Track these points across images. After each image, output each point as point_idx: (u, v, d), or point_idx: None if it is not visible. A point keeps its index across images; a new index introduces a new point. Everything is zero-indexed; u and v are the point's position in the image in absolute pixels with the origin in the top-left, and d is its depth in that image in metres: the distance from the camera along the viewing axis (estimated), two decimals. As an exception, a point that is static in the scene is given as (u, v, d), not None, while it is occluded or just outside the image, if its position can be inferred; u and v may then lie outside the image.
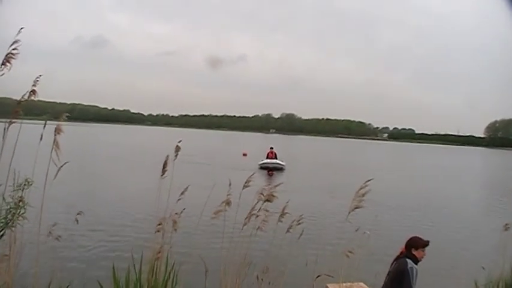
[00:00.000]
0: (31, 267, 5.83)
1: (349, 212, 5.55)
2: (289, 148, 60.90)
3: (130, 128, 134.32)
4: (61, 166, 5.07)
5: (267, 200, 5.63)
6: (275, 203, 5.74)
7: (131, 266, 5.74)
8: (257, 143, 70.40)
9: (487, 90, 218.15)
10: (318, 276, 5.94)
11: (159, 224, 5.66)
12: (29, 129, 5.31)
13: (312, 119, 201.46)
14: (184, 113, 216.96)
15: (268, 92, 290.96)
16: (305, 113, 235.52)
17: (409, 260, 4.90)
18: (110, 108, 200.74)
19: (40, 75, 5.17)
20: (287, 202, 5.91)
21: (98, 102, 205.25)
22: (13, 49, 4.97)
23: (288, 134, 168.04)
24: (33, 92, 5.08)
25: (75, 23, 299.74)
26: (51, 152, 5.02)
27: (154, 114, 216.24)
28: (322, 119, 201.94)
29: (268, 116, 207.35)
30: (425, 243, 5.01)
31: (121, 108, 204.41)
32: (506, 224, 7.23)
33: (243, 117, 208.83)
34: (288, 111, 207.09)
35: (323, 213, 14.76)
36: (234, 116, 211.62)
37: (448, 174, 39.55)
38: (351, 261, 5.74)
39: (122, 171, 27.02)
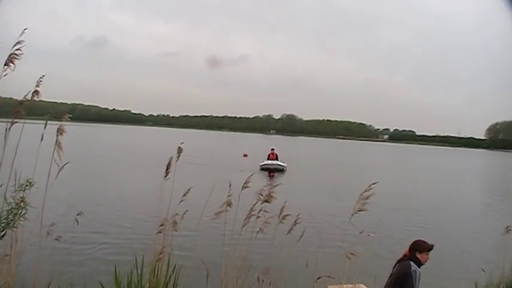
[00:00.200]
0: (32, 268, 5.82)
1: (352, 215, 5.55)
2: (290, 149, 60.89)
3: (131, 129, 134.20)
4: (62, 166, 5.07)
5: (266, 201, 5.63)
6: (276, 204, 5.74)
7: (133, 267, 5.74)
8: (257, 144, 70.38)
9: (487, 91, 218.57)
10: (319, 277, 5.93)
11: (161, 225, 5.66)
12: (31, 130, 5.31)
13: (313, 120, 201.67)
14: (185, 114, 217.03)
15: (269, 93, 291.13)
16: (305, 113, 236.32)
17: (412, 263, 4.90)
18: (110, 108, 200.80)
19: (43, 76, 5.17)
20: (284, 203, 5.91)
21: (98, 103, 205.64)
22: (16, 49, 4.97)
23: (289, 135, 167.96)
24: (36, 92, 5.09)
25: (76, 23, 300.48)
26: (53, 152, 5.02)
27: (155, 114, 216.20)
28: (323, 120, 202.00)
29: (268, 117, 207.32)
30: (430, 247, 5.01)
31: (122, 109, 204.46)
32: (508, 226, 7.23)
33: (244, 118, 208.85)
34: (288, 112, 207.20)
35: (325, 215, 14.76)
36: (235, 116, 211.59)
37: (449, 176, 39.51)
38: (352, 263, 5.74)
39: (123, 172, 27.01)
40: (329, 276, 5.92)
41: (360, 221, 6.13)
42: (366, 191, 5.56)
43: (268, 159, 32.43)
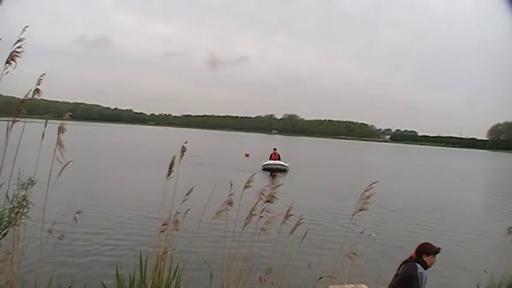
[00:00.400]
0: (34, 266, 5.82)
1: (353, 214, 5.54)
2: (292, 149, 60.79)
3: (133, 128, 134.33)
4: (65, 165, 5.07)
5: (268, 201, 5.62)
6: (279, 204, 5.74)
7: (135, 266, 5.74)
8: (259, 144, 70.39)
9: (489, 91, 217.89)
10: (321, 277, 5.93)
11: (164, 225, 5.66)
12: (33, 128, 5.31)
13: (314, 120, 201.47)
14: (186, 113, 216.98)
15: (271, 93, 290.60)
16: (307, 114, 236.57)
17: (418, 265, 4.90)
18: (112, 107, 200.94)
19: (43, 74, 5.17)
20: (291, 204, 5.90)
21: (100, 102, 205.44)
22: (17, 47, 4.97)
23: (290, 135, 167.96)
24: (37, 90, 5.08)
25: (78, 23, 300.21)
26: (55, 151, 5.02)
27: (157, 114, 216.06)
28: (325, 120, 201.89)
29: (270, 117, 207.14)
30: (437, 250, 5.01)
31: (124, 108, 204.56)
32: (510, 227, 7.22)
33: (246, 117, 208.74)
34: (290, 112, 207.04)
35: (327, 215, 14.73)
36: (237, 116, 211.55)
37: (450, 177, 39.49)
38: (354, 263, 5.73)
39: (125, 171, 27.03)
40: (331, 276, 5.92)
41: (362, 222, 6.13)
42: (366, 191, 5.56)
43: (270, 159, 32.28)
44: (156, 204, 6.22)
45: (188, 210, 5.76)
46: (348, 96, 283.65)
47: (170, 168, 5.96)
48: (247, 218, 5.66)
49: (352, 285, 6.34)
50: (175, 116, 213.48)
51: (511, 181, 38.62)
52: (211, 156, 38.93)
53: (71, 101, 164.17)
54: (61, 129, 5.13)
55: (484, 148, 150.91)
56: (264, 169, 30.34)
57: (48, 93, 5.19)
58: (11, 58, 4.92)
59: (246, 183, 5.84)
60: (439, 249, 5.03)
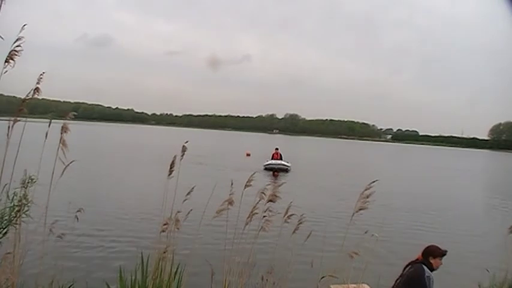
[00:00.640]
0: (35, 265, 5.82)
1: (353, 214, 5.53)
2: (293, 149, 60.78)
3: (134, 128, 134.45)
4: (67, 165, 5.06)
5: (270, 200, 5.60)
6: (281, 203, 5.73)
7: (137, 266, 5.74)
8: (260, 144, 70.42)
9: (491, 91, 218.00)
10: (323, 277, 5.92)
11: (165, 224, 5.65)
12: (34, 128, 5.30)
13: (316, 120, 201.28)
14: (188, 113, 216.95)
15: (272, 92, 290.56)
16: (309, 113, 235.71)
17: (426, 268, 4.89)
18: (114, 107, 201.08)
19: (43, 73, 5.15)
20: (290, 203, 5.89)
21: (101, 101, 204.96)
22: (16, 46, 4.94)
23: (292, 135, 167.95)
24: (36, 89, 5.06)
25: (80, 21, 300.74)
26: (58, 150, 5.01)
27: (158, 113, 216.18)
28: (326, 119, 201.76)
29: (271, 117, 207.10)
30: (443, 253, 5.02)
31: (125, 108, 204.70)
32: (511, 227, 7.20)
33: (247, 117, 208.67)
34: (291, 112, 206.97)
35: (328, 214, 14.72)
36: (238, 116, 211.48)
37: (452, 177, 39.46)
38: (355, 263, 5.72)
39: (127, 171, 27.06)
40: (333, 276, 5.91)
41: (364, 221, 6.12)
42: (366, 189, 5.55)
43: (272, 158, 32.19)
44: (158, 204, 6.22)
45: (191, 210, 5.76)
46: (350, 96, 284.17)
47: (171, 167, 5.95)
48: (248, 217, 5.65)
49: (354, 285, 6.33)
50: (176, 116, 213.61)
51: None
52: (212, 156, 38.98)
53: (72, 101, 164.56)
54: (64, 129, 5.11)
55: (485, 148, 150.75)
56: (265, 169, 30.29)
57: (50, 93, 5.19)
58: (10, 57, 4.90)
59: (247, 182, 5.82)
60: (446, 251, 5.04)
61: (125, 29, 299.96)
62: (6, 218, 5.13)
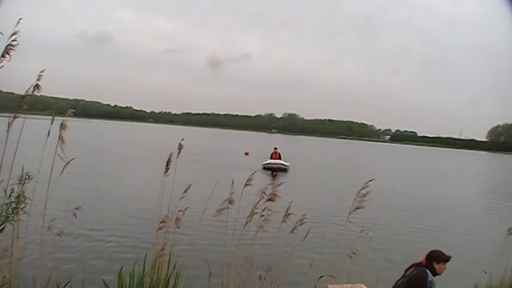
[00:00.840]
0: (33, 262, 5.82)
1: (350, 213, 5.54)
2: (292, 148, 60.76)
3: (132, 125, 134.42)
4: (67, 162, 5.05)
5: (270, 200, 5.60)
6: (280, 203, 5.73)
7: (135, 263, 5.74)
8: (259, 143, 70.41)
9: (490, 92, 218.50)
10: (321, 277, 5.92)
11: (162, 222, 5.65)
12: (33, 124, 5.30)
13: (314, 120, 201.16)
14: (186, 111, 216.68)
15: (271, 91, 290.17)
16: (307, 113, 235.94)
17: (429, 272, 4.90)
18: (112, 104, 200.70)
19: (44, 70, 5.13)
20: (292, 202, 5.89)
21: (100, 99, 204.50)
22: (12, 41, 4.92)
23: (290, 134, 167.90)
24: (37, 86, 5.05)
25: (79, 19, 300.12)
26: (56, 147, 5.00)
27: (157, 111, 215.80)
28: (325, 119, 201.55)
29: (270, 116, 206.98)
30: (447, 258, 5.04)
31: (123, 105, 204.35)
32: (510, 229, 7.21)
33: (246, 116, 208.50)
34: (290, 111, 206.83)
35: (328, 214, 14.69)
36: (237, 115, 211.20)
37: (450, 178, 39.49)
38: (353, 263, 5.72)
39: (125, 168, 27.04)
40: (331, 276, 5.91)
41: (364, 221, 6.14)
42: (362, 189, 5.56)
43: (271, 158, 32.10)
44: (156, 202, 6.21)
45: (187, 208, 5.75)
46: (349, 96, 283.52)
47: (167, 165, 5.95)
48: (248, 217, 5.65)
49: (351, 285, 6.34)
50: (175, 114, 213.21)
51: (510, 182, 38.56)
52: (211, 154, 38.96)
53: (71, 98, 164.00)
54: (63, 126, 5.10)
55: (483, 149, 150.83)
56: (264, 168, 30.18)
57: (48, 90, 5.16)
58: (6, 51, 4.88)
59: (247, 181, 5.82)
60: (450, 257, 5.05)
61: (124, 26, 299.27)
62: (3, 214, 5.12)
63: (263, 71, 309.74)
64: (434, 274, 4.99)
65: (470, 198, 26.26)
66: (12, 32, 4.91)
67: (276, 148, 32.88)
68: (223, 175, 17.20)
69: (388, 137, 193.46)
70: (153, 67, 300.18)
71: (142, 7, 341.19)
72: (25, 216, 5.25)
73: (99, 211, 13.01)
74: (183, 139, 6.09)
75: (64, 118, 5.20)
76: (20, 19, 4.96)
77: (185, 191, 5.89)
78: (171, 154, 5.98)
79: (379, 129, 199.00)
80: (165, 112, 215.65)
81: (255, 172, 6.10)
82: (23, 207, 5.17)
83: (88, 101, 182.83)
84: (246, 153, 43.92)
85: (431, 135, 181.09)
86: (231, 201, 5.60)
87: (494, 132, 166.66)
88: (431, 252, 5.13)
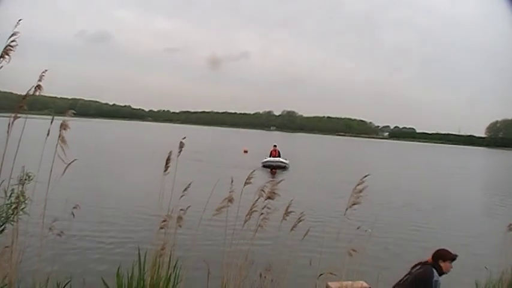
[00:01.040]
0: (33, 261, 5.82)
1: (347, 209, 5.55)
2: (291, 146, 60.76)
3: (131, 124, 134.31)
4: (69, 163, 5.06)
5: (269, 197, 5.61)
6: (280, 201, 5.73)
7: (134, 263, 5.74)
8: (258, 140, 70.40)
9: (489, 90, 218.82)
10: (321, 274, 5.93)
11: (164, 221, 5.65)
12: (32, 125, 5.29)
13: (313, 117, 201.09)
14: (185, 110, 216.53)
15: (270, 89, 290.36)
16: (306, 110, 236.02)
17: (435, 272, 4.92)
18: (111, 103, 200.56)
19: (46, 70, 5.13)
20: (291, 201, 5.90)
21: (99, 98, 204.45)
22: (11, 41, 4.92)
23: (289, 132, 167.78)
24: (38, 87, 5.04)
25: (78, 18, 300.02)
26: (56, 147, 5.00)
27: (155, 110, 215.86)
28: (323, 117, 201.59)
29: (269, 114, 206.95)
30: (454, 257, 5.05)
31: (122, 104, 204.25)
32: (510, 225, 7.22)
33: (244, 114, 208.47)
34: (289, 109, 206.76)
35: (328, 212, 14.68)
36: (235, 113, 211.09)
37: (449, 174, 39.52)
38: (353, 260, 5.73)
39: (125, 167, 27.03)
40: (331, 273, 5.92)
41: (363, 218, 6.14)
42: (358, 184, 5.57)
43: (270, 156, 31.92)
44: (156, 201, 6.22)
45: (189, 206, 5.75)
46: (348, 94, 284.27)
47: (167, 163, 5.95)
48: (247, 215, 5.65)
49: (351, 282, 6.35)
50: (173, 113, 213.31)
51: (510, 178, 38.59)
52: (209, 153, 38.89)
53: (69, 97, 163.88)
54: (63, 126, 5.09)
55: (482, 145, 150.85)
56: (264, 166, 30.09)
57: (47, 89, 5.14)
58: (6, 52, 4.88)
59: (247, 179, 5.82)
60: (456, 255, 5.06)
61: (123, 25, 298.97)
62: (3, 215, 5.12)
63: (262, 69, 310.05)
64: (441, 273, 5.00)
65: (470, 194, 26.28)
66: (12, 32, 4.90)
67: (275, 146, 32.69)
68: (222, 173, 17.22)
69: (386, 133, 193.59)
70: (152, 66, 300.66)
71: (141, 6, 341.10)
72: (25, 216, 5.24)
73: (99, 211, 13.00)
74: (184, 138, 6.08)
75: (64, 118, 5.20)
76: (20, 20, 4.96)
77: (185, 190, 5.88)
78: (170, 152, 5.97)
79: (378, 126, 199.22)
80: (164, 110, 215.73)
81: (254, 170, 6.10)
82: (23, 208, 5.17)
83: (87, 100, 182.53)
84: (245, 151, 43.87)
85: (430, 132, 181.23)
86: (230, 200, 5.60)
87: (493, 128, 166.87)
88: (438, 250, 5.14)
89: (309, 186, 22.76)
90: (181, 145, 6.07)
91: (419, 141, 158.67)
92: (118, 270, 5.76)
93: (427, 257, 5.21)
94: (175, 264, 5.88)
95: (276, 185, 5.77)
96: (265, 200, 5.58)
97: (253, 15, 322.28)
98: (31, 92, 5.02)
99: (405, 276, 5.26)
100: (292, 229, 5.75)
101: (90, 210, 11.95)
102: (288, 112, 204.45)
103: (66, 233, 6.17)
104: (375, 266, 7.88)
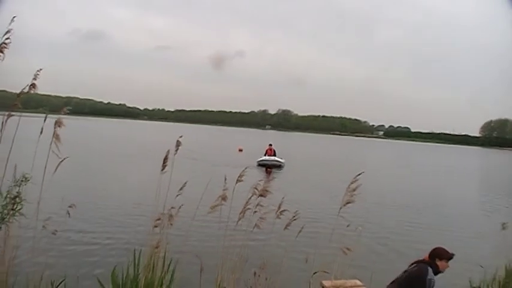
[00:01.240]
0: (27, 261, 5.81)
1: (341, 207, 5.57)
2: (286, 145, 60.76)
3: (126, 123, 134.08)
4: (61, 161, 5.05)
5: (261, 195, 5.61)
6: (274, 200, 5.75)
7: (129, 261, 5.74)
8: (253, 139, 70.44)
9: (485, 89, 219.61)
10: (315, 272, 5.95)
11: (158, 220, 5.65)
12: (27, 123, 5.28)
13: (308, 116, 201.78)
14: (180, 108, 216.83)
15: (265, 88, 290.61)
16: (301, 109, 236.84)
17: (430, 270, 4.95)
18: (105, 102, 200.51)
19: (41, 69, 5.12)
20: (286, 199, 5.91)
21: (93, 96, 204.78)
22: (6, 39, 4.90)
23: (284, 131, 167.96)
24: (33, 85, 5.03)
25: (73, 16, 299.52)
26: (50, 145, 4.99)
27: (150, 108, 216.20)
28: (319, 116, 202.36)
29: (264, 112, 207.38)
30: (450, 256, 5.08)
31: (117, 102, 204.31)
32: (504, 223, 7.26)
33: (239, 112, 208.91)
34: (284, 108, 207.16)
35: (322, 210, 14.68)
36: (230, 111, 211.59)
37: (444, 173, 39.63)
38: (347, 258, 5.75)
39: (119, 166, 26.97)
40: (325, 271, 5.94)
41: (357, 218, 6.15)
42: (352, 183, 5.59)
43: (266, 154, 31.74)
44: (151, 199, 6.22)
45: (182, 205, 5.75)
46: (343, 93, 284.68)
47: (164, 162, 5.95)
48: (241, 213, 5.66)
49: (344, 280, 6.37)
50: (168, 111, 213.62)
51: (504, 177, 38.75)
52: (204, 151, 38.80)
53: (64, 95, 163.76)
54: (58, 124, 5.07)
55: (476, 145, 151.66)
56: (259, 165, 29.92)
57: (41, 87, 5.13)
58: (0, 50, 4.87)
59: (238, 177, 5.82)
60: (453, 255, 5.09)
61: (117, 23, 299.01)
62: (-1, 216, 5.10)
63: (257, 68, 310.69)
64: (437, 272, 5.03)
65: (465, 193, 26.37)
66: (6, 30, 4.89)
67: (270, 144, 32.54)
68: (217, 172, 17.22)
69: (381, 132, 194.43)
70: (147, 64, 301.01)
71: (137, 5, 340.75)
72: (20, 217, 5.23)
73: (94, 209, 12.96)
74: (181, 136, 6.08)
75: (58, 116, 5.18)
76: (14, 17, 4.94)
77: (181, 189, 5.88)
78: (168, 151, 5.97)
79: (373, 125, 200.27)
80: (159, 109, 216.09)
81: (246, 168, 6.09)
82: (19, 209, 5.15)
83: (81, 99, 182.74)
84: (240, 150, 43.82)
85: (425, 131, 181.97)
86: (224, 198, 5.60)
87: (487, 127, 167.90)
88: (435, 249, 5.17)
89: (303, 185, 22.77)
90: (178, 144, 6.06)
91: (414, 141, 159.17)
92: (114, 270, 5.76)
93: (423, 255, 5.24)
94: (169, 263, 5.88)
95: (268, 182, 5.78)
96: (258, 197, 5.59)
97: (248, 14, 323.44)
98: (25, 90, 5.00)
99: (402, 274, 5.28)
100: (286, 227, 5.76)
101: (85, 209, 11.94)
102: (283, 111, 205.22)
103: (61, 231, 6.17)
104: (369, 264, 7.91)
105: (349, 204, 5.57)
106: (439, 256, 5.08)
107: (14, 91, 5.14)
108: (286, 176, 26.03)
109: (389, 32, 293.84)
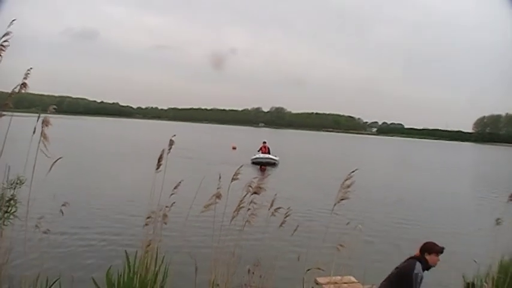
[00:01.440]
0: (21, 261, 5.78)
1: (335, 204, 5.57)
2: (279, 142, 60.69)
3: (120, 121, 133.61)
4: (55, 161, 5.02)
5: (255, 193, 5.61)
6: (269, 197, 5.74)
7: (123, 260, 5.73)
8: (246, 137, 70.40)
9: (484, 89, 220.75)
10: (309, 269, 5.96)
11: (148, 218, 5.65)
12: (18, 122, 5.25)
13: (302, 113, 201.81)
14: (173, 106, 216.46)
15: (258, 86, 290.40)
16: (295, 107, 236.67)
17: (417, 265, 4.96)
18: (99, 101, 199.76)
19: (31, 68, 5.08)
20: (280, 196, 5.91)
21: (87, 95, 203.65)
22: (4, 41, 4.87)
23: (277, 128, 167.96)
24: (24, 84, 4.99)
25: (66, 14, 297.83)
26: (39, 144, 4.94)
27: (144, 107, 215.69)
28: (312, 113, 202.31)
29: (257, 110, 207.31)
30: (440, 250, 5.07)
31: (110, 101, 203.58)
32: (498, 219, 7.28)
33: (232, 110, 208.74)
34: (277, 105, 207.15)
35: (317, 208, 14.69)
36: (224, 109, 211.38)
37: (437, 170, 39.75)
38: (341, 255, 5.75)
39: (113, 165, 26.87)
40: (319, 268, 5.94)
41: (352, 215, 6.16)
42: (346, 179, 5.60)
43: (260, 152, 31.72)
44: (145, 198, 6.20)
45: (174, 203, 5.74)
46: (336, 90, 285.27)
47: (159, 161, 5.93)
48: (235, 211, 5.66)
49: (339, 277, 6.38)
50: (161, 109, 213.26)
51: (497, 173, 38.90)
52: (198, 149, 38.74)
53: (57, 95, 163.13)
54: (45, 123, 5.02)
55: (469, 141, 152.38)
56: (253, 163, 29.90)
57: (34, 87, 5.09)
58: (-4, 52, 4.83)
59: (234, 175, 5.82)
60: (443, 248, 5.09)
61: (111, 22, 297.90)
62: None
63: (251, 66, 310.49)
64: (428, 266, 5.03)
65: (459, 189, 26.45)
66: (5, 32, 4.86)
67: (265, 142, 32.43)
68: (211, 170, 17.20)
69: (375, 129, 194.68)
70: (140, 63, 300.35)
71: (129, 3, 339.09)
72: (14, 219, 5.20)
73: (88, 209, 12.93)
74: (174, 135, 6.06)
75: (47, 115, 5.14)
76: (13, 20, 4.91)
77: (175, 188, 5.87)
78: (163, 150, 5.95)
79: (366, 122, 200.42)
80: (152, 108, 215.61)
81: (241, 166, 6.09)
82: (13, 212, 5.12)
83: (74, 98, 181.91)
84: (234, 148, 43.77)
85: (418, 127, 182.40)
86: (218, 196, 5.59)
87: (480, 123, 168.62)
88: (424, 244, 5.18)
89: (298, 183, 22.78)
90: (171, 143, 6.04)
91: (407, 137, 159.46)
92: (109, 269, 5.75)
93: (416, 251, 5.26)
94: (162, 261, 5.88)
95: (262, 180, 5.77)
96: (251, 195, 5.58)
97: (248, 13, 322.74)
98: (16, 90, 4.96)
99: (394, 269, 5.30)
100: (281, 225, 5.76)
101: (79, 208, 11.90)
102: (277, 108, 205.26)
103: (54, 231, 6.15)
104: (363, 261, 7.92)
105: (343, 201, 5.57)
106: (428, 250, 5.09)
107: (5, 91, 5.10)
108: (280, 173, 26.04)
109: (389, 31, 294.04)
